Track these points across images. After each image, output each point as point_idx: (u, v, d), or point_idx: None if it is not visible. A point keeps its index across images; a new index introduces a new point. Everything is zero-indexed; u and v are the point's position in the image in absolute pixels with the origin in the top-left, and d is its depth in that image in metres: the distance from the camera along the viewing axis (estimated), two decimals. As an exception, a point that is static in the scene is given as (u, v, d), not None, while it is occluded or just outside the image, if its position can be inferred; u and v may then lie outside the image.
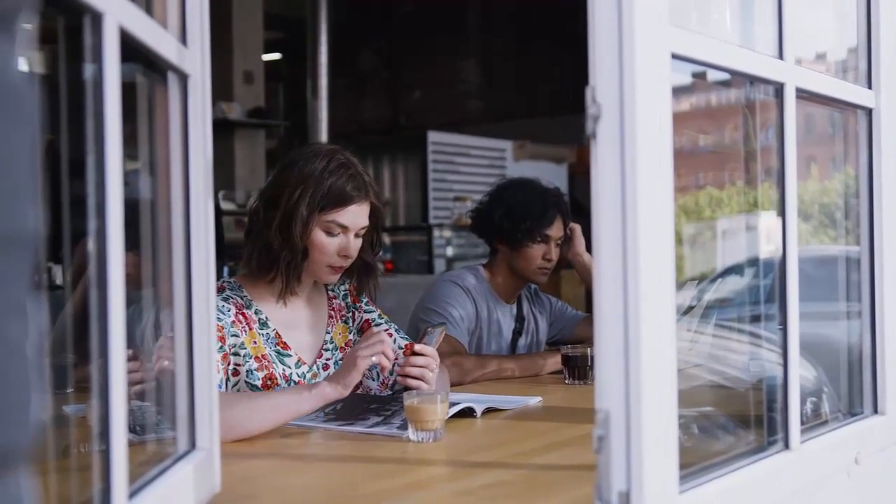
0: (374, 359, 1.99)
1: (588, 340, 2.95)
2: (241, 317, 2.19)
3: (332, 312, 2.39)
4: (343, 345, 2.37)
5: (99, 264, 0.99)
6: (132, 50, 1.10)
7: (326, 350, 2.34)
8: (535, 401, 2.35)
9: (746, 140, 1.84)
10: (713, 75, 1.55)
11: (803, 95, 1.56)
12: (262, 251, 2.21)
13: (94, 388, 0.99)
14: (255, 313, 2.24)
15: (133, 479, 1.06)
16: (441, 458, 1.80)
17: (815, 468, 1.58)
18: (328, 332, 2.36)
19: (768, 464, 1.46)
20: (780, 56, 1.51)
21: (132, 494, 1.07)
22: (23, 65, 0.60)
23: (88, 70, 1.00)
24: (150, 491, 1.14)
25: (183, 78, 1.34)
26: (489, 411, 2.19)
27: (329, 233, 2.21)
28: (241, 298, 2.23)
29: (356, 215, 2.22)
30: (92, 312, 0.99)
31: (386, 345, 2.02)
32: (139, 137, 1.30)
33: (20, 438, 0.57)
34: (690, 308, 1.97)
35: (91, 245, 0.99)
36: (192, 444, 1.35)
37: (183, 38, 1.34)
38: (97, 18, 0.98)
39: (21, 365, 0.57)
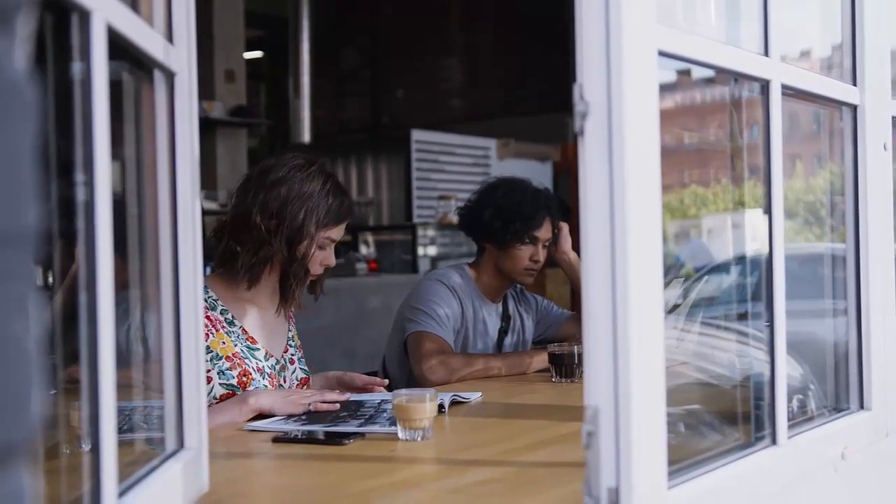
0: (311, 407, 2.12)
1: (574, 339, 2.95)
2: (205, 320, 2.20)
3: (290, 313, 2.47)
4: (298, 345, 2.48)
5: (87, 265, 0.98)
6: (118, 48, 1.09)
7: (291, 346, 2.43)
8: (475, 396, 2.36)
9: (731, 138, 1.85)
10: (697, 73, 1.55)
11: (789, 92, 1.57)
12: (262, 263, 2.25)
13: (84, 390, 0.98)
14: (221, 313, 2.27)
15: (120, 479, 1.06)
16: (429, 456, 1.79)
17: (803, 463, 1.59)
18: (290, 331, 2.45)
19: (756, 459, 1.47)
20: (766, 53, 1.51)
21: (121, 494, 1.06)
22: (22, 62, 0.60)
23: (76, 68, 0.99)
24: (139, 490, 1.14)
25: (170, 76, 1.33)
26: (454, 404, 2.22)
27: (321, 247, 2.29)
28: (206, 300, 2.23)
29: (343, 230, 2.35)
30: (81, 314, 0.98)
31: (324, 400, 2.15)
32: (125, 136, 1.29)
33: (22, 434, 0.57)
34: (676, 306, 1.97)
35: (79, 246, 0.99)
36: (181, 444, 1.35)
37: (169, 36, 1.33)
38: (85, 16, 0.98)
39: (23, 361, 0.57)
